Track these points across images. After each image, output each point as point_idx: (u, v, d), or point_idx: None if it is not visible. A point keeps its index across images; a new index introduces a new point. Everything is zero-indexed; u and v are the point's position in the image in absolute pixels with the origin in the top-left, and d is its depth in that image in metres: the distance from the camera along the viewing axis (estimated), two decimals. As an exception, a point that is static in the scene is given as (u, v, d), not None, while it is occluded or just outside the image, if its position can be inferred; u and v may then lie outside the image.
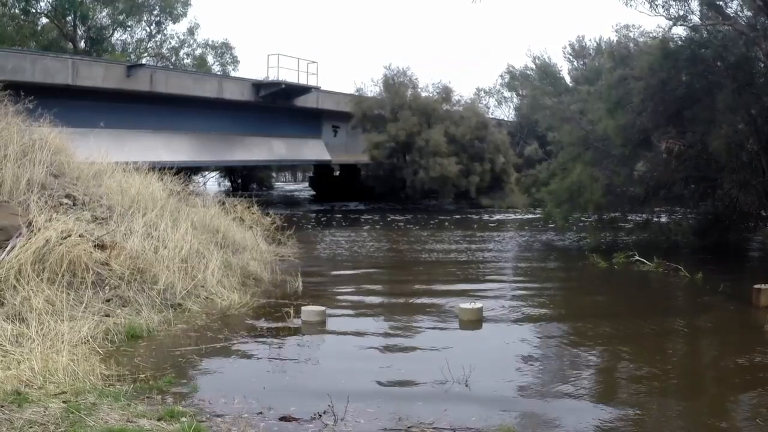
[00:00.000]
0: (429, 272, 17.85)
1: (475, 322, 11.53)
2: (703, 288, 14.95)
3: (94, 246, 11.27)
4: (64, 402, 6.59)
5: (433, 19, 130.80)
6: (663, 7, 19.61)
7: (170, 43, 48.17)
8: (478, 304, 11.96)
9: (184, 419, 6.51)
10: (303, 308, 11.56)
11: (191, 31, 47.97)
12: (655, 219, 23.85)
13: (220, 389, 7.81)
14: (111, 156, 16.11)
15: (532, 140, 46.58)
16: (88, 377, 7.54)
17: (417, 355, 9.89)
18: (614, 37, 38.43)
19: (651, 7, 19.65)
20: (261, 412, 7.10)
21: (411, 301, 13.70)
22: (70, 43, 42.59)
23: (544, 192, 23.55)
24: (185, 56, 48.64)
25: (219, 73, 45.34)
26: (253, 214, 17.92)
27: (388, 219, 32.23)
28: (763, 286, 12.87)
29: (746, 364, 9.46)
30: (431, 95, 41.08)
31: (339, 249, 21.60)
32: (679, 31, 20.04)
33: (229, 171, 54.56)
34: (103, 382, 7.55)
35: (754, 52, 18.49)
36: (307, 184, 62.47)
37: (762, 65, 18.78)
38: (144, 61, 41.13)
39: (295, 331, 10.88)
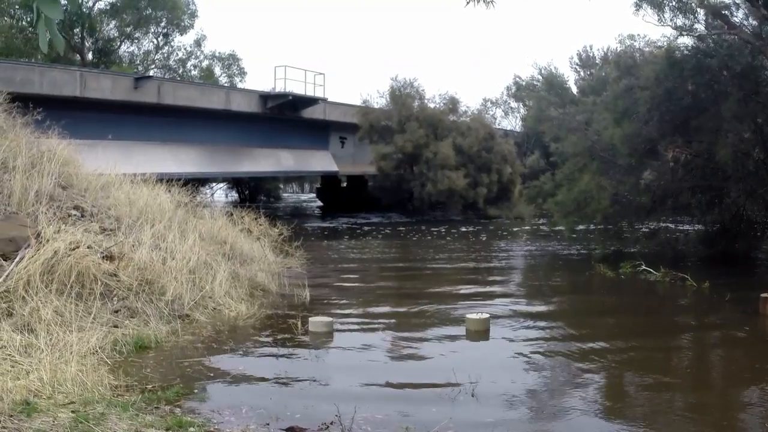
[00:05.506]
0: (436, 282, 17.84)
1: (482, 332, 11.53)
2: (710, 297, 14.93)
3: (103, 257, 11.32)
4: (72, 412, 6.61)
5: (438, 29, 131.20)
6: (670, 17, 19.68)
7: (177, 54, 48.39)
8: (485, 315, 11.97)
9: (192, 429, 6.54)
10: (310, 319, 11.57)
11: (198, 43, 48.19)
12: (663, 228, 23.85)
13: (227, 400, 7.84)
14: (119, 167, 16.19)
15: (538, 150, 46.71)
16: (96, 387, 7.55)
17: (424, 365, 9.89)
18: (619, 48, 38.44)
19: (659, 18, 19.75)
20: (268, 423, 7.11)
21: (418, 310, 13.69)
22: (78, 55, 42.81)
23: (551, 203, 23.57)
24: (192, 68, 48.85)
25: (226, 84, 45.46)
26: (260, 225, 17.93)
27: (396, 230, 32.25)
28: (770, 295, 12.85)
29: (755, 373, 9.45)
30: (438, 106, 41.14)
31: (346, 260, 21.62)
32: (685, 40, 20.09)
33: (236, 182, 54.69)
34: (112, 393, 7.57)
35: (759, 61, 18.50)
36: (314, 195, 62.55)
37: (768, 74, 18.81)
38: (151, 72, 41.30)
39: (303, 342, 10.89)
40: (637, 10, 19.68)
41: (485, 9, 7.60)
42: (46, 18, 2.99)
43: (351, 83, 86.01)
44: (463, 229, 32.42)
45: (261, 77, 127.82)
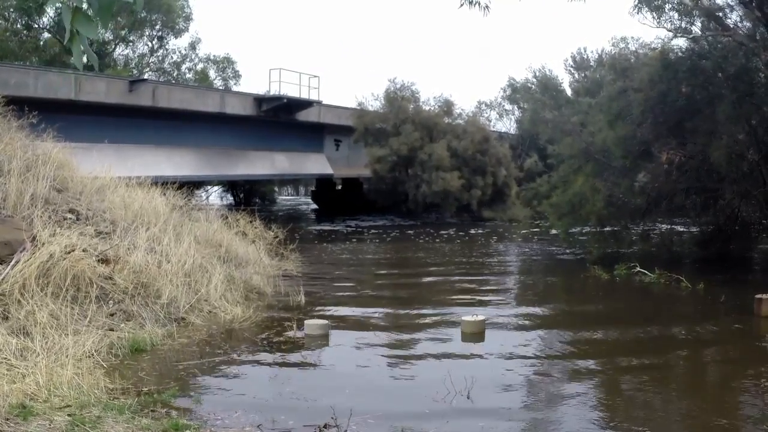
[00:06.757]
0: (431, 284, 17.85)
1: (477, 334, 11.54)
2: (705, 298, 14.97)
3: (98, 260, 11.32)
4: (69, 415, 6.61)
5: (433, 32, 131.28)
6: (666, 19, 19.79)
7: (172, 57, 48.14)
8: (481, 316, 11.98)
9: (187, 432, 6.55)
10: (306, 322, 11.58)
11: (193, 46, 47.98)
12: (657, 229, 23.89)
13: (223, 402, 7.84)
14: (114, 171, 16.18)
15: (533, 153, 46.68)
16: (92, 390, 7.56)
17: (419, 367, 9.90)
18: (613, 50, 38.53)
19: (656, 19, 19.84)
20: (261, 425, 7.12)
21: (413, 312, 13.70)
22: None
23: (546, 205, 23.61)
24: (187, 71, 48.65)
25: (221, 87, 45.33)
26: (255, 228, 17.94)
27: (391, 232, 32.25)
28: (764, 296, 12.90)
29: (751, 374, 9.47)
30: (433, 109, 40.99)
31: (341, 262, 21.61)
32: (679, 42, 20.18)
33: (231, 185, 54.63)
34: (108, 396, 7.58)
35: (753, 62, 18.55)
36: (309, 198, 62.48)
37: (762, 76, 18.83)
38: (146, 75, 41.20)
39: (298, 345, 10.89)
40: (637, 12, 19.82)
41: (481, 15, 7.63)
42: (81, 36, 3.01)
43: (346, 86, 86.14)
44: (458, 231, 32.40)
45: (256, 80, 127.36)
